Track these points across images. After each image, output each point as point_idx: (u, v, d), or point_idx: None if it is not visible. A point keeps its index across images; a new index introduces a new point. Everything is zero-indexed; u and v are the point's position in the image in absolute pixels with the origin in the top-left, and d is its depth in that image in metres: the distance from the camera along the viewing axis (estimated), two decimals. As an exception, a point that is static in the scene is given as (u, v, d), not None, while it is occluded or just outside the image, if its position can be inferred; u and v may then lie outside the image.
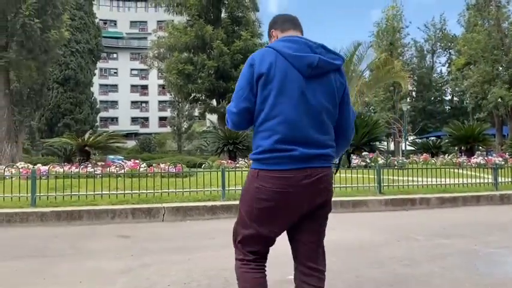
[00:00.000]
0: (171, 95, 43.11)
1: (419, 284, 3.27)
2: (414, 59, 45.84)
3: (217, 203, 7.04)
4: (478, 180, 9.38)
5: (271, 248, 4.27)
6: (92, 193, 7.22)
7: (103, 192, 7.25)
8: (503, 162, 12.85)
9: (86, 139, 13.34)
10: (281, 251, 4.56)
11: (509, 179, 9.69)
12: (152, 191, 7.48)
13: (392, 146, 42.76)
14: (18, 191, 7.18)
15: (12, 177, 8.42)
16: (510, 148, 20.10)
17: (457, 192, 8.49)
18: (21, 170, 9.23)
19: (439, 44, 45.71)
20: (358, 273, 3.57)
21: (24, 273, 3.72)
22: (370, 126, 15.25)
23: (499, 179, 9.30)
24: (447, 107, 46.32)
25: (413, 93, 45.49)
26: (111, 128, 49.15)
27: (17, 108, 29.14)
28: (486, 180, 9.41)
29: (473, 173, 10.33)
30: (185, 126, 53.79)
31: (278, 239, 5.26)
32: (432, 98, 44.25)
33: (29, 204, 6.76)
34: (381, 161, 12.46)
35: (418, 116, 43.60)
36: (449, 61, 44.52)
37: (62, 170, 8.80)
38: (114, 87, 63.80)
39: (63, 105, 40.95)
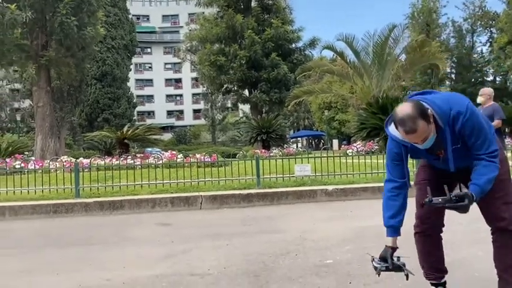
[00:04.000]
0: (204, 87, 43.56)
1: (461, 267, 3.18)
2: (452, 39, 44.11)
3: (253, 191, 7.09)
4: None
5: (306, 233, 4.28)
6: (133, 183, 7.44)
7: (143, 183, 7.46)
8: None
9: (124, 132, 13.73)
10: (320, 236, 4.57)
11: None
12: (189, 180, 7.63)
13: (431, 131, 41.51)
14: (63, 183, 7.49)
15: (56, 171, 8.78)
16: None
17: (501, 175, 8.18)
18: (64, 163, 9.61)
19: (479, 22, 43.75)
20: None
21: (71, 260, 3.89)
22: (407, 110, 14.87)
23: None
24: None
25: (452, 75, 43.91)
26: (148, 121, 50.28)
27: (58, 105, 30.33)
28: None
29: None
30: (219, 117, 54.28)
31: (317, 226, 5.24)
32: (473, 80, 42.53)
33: (73, 195, 7.04)
34: (419, 145, 12.17)
35: (459, 98, 41.99)
36: (490, 40, 42.59)
37: (103, 162, 9.10)
38: (149, 82, 65.08)
39: (101, 100, 42.22)
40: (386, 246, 2.39)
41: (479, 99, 6.88)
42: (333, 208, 6.35)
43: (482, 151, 2.16)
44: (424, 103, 2.10)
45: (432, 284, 2.51)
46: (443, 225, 2.56)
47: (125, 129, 14.21)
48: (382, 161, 8.98)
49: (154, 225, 5.55)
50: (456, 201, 2.10)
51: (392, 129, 2.21)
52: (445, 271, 2.56)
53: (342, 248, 3.89)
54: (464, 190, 2.11)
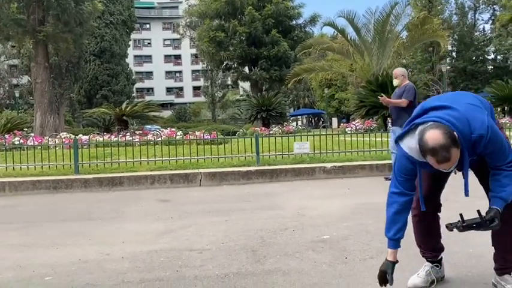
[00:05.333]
0: (203, 63, 43.26)
1: (458, 243, 3.22)
2: (454, 16, 43.55)
3: (252, 168, 7.12)
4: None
5: (304, 210, 4.29)
6: (132, 160, 7.46)
7: (142, 159, 7.48)
8: (550, 122, 12.25)
9: (123, 109, 13.70)
10: (317, 213, 4.61)
11: (557, 139, 9.24)
12: (189, 158, 7.65)
13: (431, 109, 41.39)
14: (62, 160, 7.51)
15: (56, 147, 8.78)
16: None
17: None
18: (64, 139, 9.61)
19: (481, -1, 43.13)
20: (395, 233, 3.55)
21: (70, 234, 3.93)
22: (408, 88, 14.79)
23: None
24: (490, 67, 44.10)
25: (453, 53, 43.53)
26: (147, 98, 49.96)
27: (57, 81, 30.14)
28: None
29: (517, 134, 9.91)
30: (219, 95, 54.05)
31: (315, 202, 5.28)
32: (474, 58, 42.18)
33: (72, 171, 7.07)
34: (418, 123, 12.16)
35: (459, 77, 41.82)
36: (492, 17, 42.04)
37: (101, 139, 9.10)
38: (148, 58, 64.50)
39: (100, 77, 41.94)
40: (387, 260, 2.32)
41: (395, 82, 6.76)
42: (331, 185, 6.39)
43: (501, 162, 2.12)
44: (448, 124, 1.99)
45: (428, 261, 2.53)
46: (441, 205, 2.54)
47: (124, 106, 14.17)
48: (380, 139, 9.00)
49: (153, 201, 5.59)
50: (489, 224, 2.11)
51: (407, 146, 2.11)
52: (442, 249, 2.56)
53: (338, 224, 3.93)
54: (492, 211, 2.13)
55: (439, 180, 2.39)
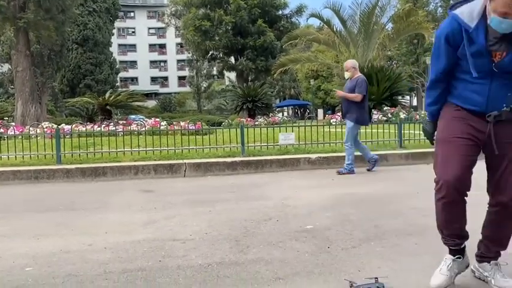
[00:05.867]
0: (189, 53, 42.86)
1: (438, 233, 3.28)
2: (439, 9, 43.87)
3: (237, 159, 7.12)
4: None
5: (288, 200, 4.32)
6: (115, 150, 7.39)
7: (125, 149, 7.41)
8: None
9: (106, 98, 13.52)
10: (301, 203, 4.64)
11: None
12: (173, 148, 7.60)
13: (415, 101, 41.93)
14: (44, 149, 7.39)
15: (37, 137, 8.65)
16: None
17: (480, 145, 8.34)
18: (45, 129, 9.45)
19: (466, -8, 43.44)
20: (378, 223, 3.60)
21: (52, 224, 3.88)
22: (392, 80, 14.92)
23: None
24: (472, 60, 44.58)
25: (438, 46, 43.83)
26: (131, 87, 49.50)
27: (38, 70, 29.56)
28: None
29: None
30: (204, 85, 53.70)
31: (299, 193, 5.31)
32: (457, 51, 42.61)
33: (54, 161, 6.97)
34: (402, 115, 12.26)
35: (443, 69, 42.24)
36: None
37: (84, 128, 8.98)
38: (132, 47, 63.62)
39: (83, 65, 41.26)
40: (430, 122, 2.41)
41: (346, 75, 6.76)
42: (315, 176, 6.43)
43: None
44: None
45: (451, 250, 2.34)
46: (470, 188, 2.25)
47: (107, 95, 13.98)
48: (364, 130, 9.06)
49: (137, 192, 5.55)
50: None
51: (460, 11, 2.08)
52: (467, 237, 2.37)
53: (322, 214, 3.96)
54: None
55: (471, 155, 2.20)
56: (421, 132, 8.92)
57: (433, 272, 2.35)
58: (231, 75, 42.11)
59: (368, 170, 6.69)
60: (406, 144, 8.29)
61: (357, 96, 6.43)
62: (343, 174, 6.43)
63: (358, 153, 7.58)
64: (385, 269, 2.59)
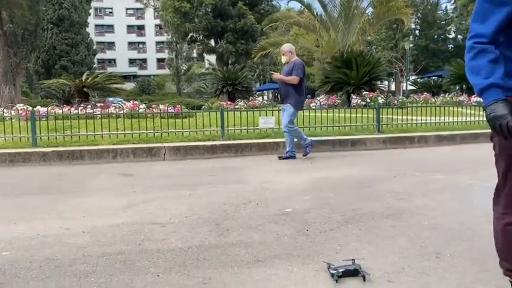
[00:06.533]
0: (168, 35, 42.17)
1: (414, 216, 3.37)
2: (419, -6, 44.16)
3: (217, 143, 7.11)
4: (477, 119, 9.40)
5: (268, 183, 4.34)
6: (93, 133, 7.27)
7: (103, 133, 7.30)
8: (503, 101, 12.79)
9: (83, 80, 13.23)
10: (281, 187, 4.67)
11: (509, 117, 9.67)
12: (152, 131, 7.52)
13: (393, 86, 42.41)
14: (19, 132, 7.23)
15: (12, 119, 8.43)
16: None
17: (456, 130, 8.54)
18: (20, 111, 9.21)
19: (445, -22, 43.89)
20: (355, 206, 3.67)
21: (28, 209, 3.82)
22: (372, 65, 15.01)
23: (499, 117, 9.29)
24: (450, 46, 45.33)
25: (416, 32, 44.36)
26: (109, 69, 48.42)
27: (12, 50, 28.59)
28: (485, 118, 9.42)
29: (472, 112, 10.32)
30: (184, 68, 53.02)
31: (278, 177, 5.34)
32: (435, 36, 43.17)
33: (30, 144, 6.82)
34: (380, 100, 12.40)
35: (421, 55, 42.79)
36: (455, -3, 42.93)
37: (61, 111, 8.79)
38: (110, 28, 62.12)
39: (58, 46, 40.12)
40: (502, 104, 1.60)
41: (283, 59, 6.69)
42: (294, 160, 6.47)
43: None
44: None
45: None
46: None
47: (84, 77, 13.67)
48: (343, 114, 9.15)
49: (115, 175, 5.49)
50: None
51: None
52: None
53: (301, 198, 4.01)
54: None
55: None
56: (399, 117, 9.03)
57: (409, 254, 2.41)
58: (211, 58, 41.67)
59: (304, 155, 6.58)
60: (384, 129, 8.41)
61: (293, 79, 6.33)
62: (286, 159, 6.39)
63: (338, 137, 7.65)
64: (362, 251, 2.65)
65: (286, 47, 6.76)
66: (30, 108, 10.38)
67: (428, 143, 7.95)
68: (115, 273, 2.37)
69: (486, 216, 3.34)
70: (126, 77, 43.34)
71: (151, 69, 61.81)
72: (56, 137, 7.18)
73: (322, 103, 12.86)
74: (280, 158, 6.49)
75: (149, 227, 3.18)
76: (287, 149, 6.51)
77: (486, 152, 7.60)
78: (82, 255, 2.65)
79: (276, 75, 6.77)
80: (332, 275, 2.25)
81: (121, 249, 2.73)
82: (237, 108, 10.59)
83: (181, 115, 8.83)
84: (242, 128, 7.90)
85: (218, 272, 2.37)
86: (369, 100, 12.88)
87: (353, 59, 15.02)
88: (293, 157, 6.46)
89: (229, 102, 14.23)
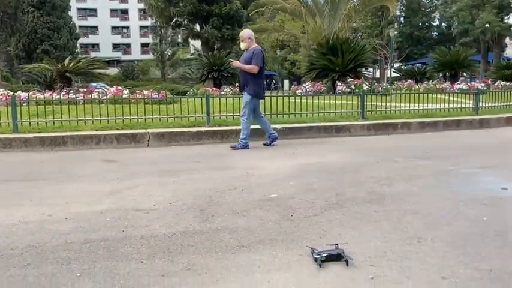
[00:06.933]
0: (152, 19, 41.48)
1: (396, 201, 3.41)
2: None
3: (202, 129, 7.07)
4: (459, 106, 9.53)
5: (253, 170, 4.34)
6: (75, 119, 7.16)
7: (86, 118, 7.19)
8: (485, 88, 12.99)
9: (65, 65, 12.98)
10: (266, 173, 4.68)
11: (490, 104, 9.85)
12: (136, 117, 7.44)
13: (378, 73, 42.62)
14: (-1, 117, 7.07)
15: (-9, 104, 8.24)
16: (493, 74, 20.22)
17: (439, 117, 8.64)
18: (0, 96, 9.01)
19: (431, -35, 43.95)
20: (339, 191, 3.70)
21: (10, 195, 3.76)
22: (357, 52, 15.05)
23: (480, 104, 9.45)
24: (434, 33, 45.67)
25: (401, 19, 44.52)
26: (92, 54, 47.58)
27: (-10, 33, 27.86)
28: (468, 106, 9.57)
29: (455, 99, 10.46)
30: (169, 53, 52.37)
31: (264, 163, 5.34)
32: (420, 24, 43.44)
33: (10, 130, 6.68)
34: (365, 87, 12.46)
35: (405, 42, 43.07)
36: (440, -16, 43.11)
37: (42, 96, 8.62)
38: (92, 12, 60.93)
39: (40, 30, 39.25)
40: None
41: (242, 46, 6.49)
42: (280, 146, 6.49)
43: None
44: None
45: None
46: None
47: (66, 61, 13.39)
48: (329, 101, 9.18)
49: (99, 161, 5.43)
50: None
51: None
52: None
53: (286, 183, 4.03)
54: None
55: None
56: (383, 103, 9.11)
57: (391, 238, 2.45)
58: (197, 44, 41.23)
59: (264, 144, 6.54)
60: (368, 116, 8.46)
61: (253, 68, 6.17)
62: (237, 149, 6.20)
63: (323, 124, 7.68)
64: (346, 235, 2.68)
65: (246, 33, 6.53)
66: (10, 93, 10.16)
67: (411, 130, 8.04)
68: (98, 259, 2.36)
69: (466, 201, 3.41)
70: (109, 62, 42.62)
71: (136, 54, 60.97)
72: (37, 123, 7.05)
73: (307, 90, 12.87)
74: (232, 148, 6.27)
75: (133, 214, 3.16)
76: (241, 137, 6.29)
77: (468, 138, 7.77)
78: (64, 241, 2.63)
79: (235, 63, 6.50)
80: (315, 260, 2.28)
81: (104, 236, 2.71)
82: (223, 95, 10.53)
83: (165, 101, 8.74)
84: (228, 114, 7.86)
85: (202, 258, 2.37)
86: (353, 87, 12.94)
87: (338, 46, 15.03)
88: (246, 147, 6.24)
89: (214, 89, 14.15)
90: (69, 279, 2.12)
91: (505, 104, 10.07)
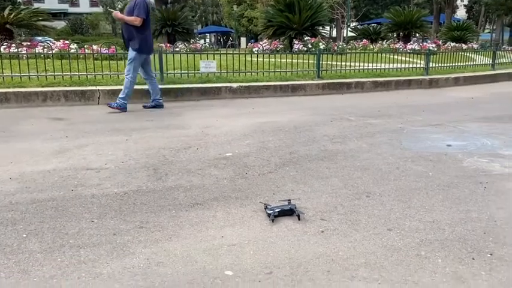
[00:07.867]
0: (101, -31, 39.02)
1: (347, 158, 3.51)
2: None
3: (156, 86, 6.85)
4: (411, 66, 9.77)
5: (208, 129, 4.30)
6: (19, 74, 6.75)
7: (31, 74, 6.79)
8: (436, 49, 13.36)
9: (5, 16, 12.05)
10: (221, 132, 4.65)
11: (440, 64, 10.17)
12: (85, 74, 7.11)
13: (334, 32, 42.73)
14: None
15: None
16: (444, 35, 20.77)
17: (391, 77, 8.84)
18: None
19: None
20: (293, 149, 3.75)
21: None
22: (314, 9, 14.91)
23: (430, 65, 9.74)
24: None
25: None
26: (36, 5, 44.36)
27: None
28: (419, 66, 9.83)
29: (407, 59, 10.70)
30: (119, 6, 49.74)
31: (219, 121, 5.30)
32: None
33: None
34: (322, 46, 12.46)
35: (362, 1, 43.14)
36: None
37: (-20, 49, 8.01)
38: (34, -42, 56.29)
39: (-26, -23, 35.92)
40: None
41: None
42: (236, 105, 6.44)
43: None
44: None
45: None
46: None
47: (6, 12, 12.41)
48: (285, 60, 9.14)
49: (45, 119, 5.18)
50: None
51: None
52: None
53: (241, 142, 4.03)
54: None
55: None
56: (338, 63, 9.18)
57: (341, 193, 2.53)
58: (149, -3, 39.39)
59: (144, 107, 6.14)
60: (323, 75, 8.52)
61: (135, 20, 5.60)
62: (113, 108, 5.73)
63: (279, 83, 7.67)
64: (298, 191, 2.74)
65: None
66: None
67: (364, 89, 8.20)
68: (46, 219, 2.29)
69: (413, 157, 3.56)
70: (55, 15, 40.00)
71: (84, 6, 57.47)
72: (-24, 78, 6.59)
73: (264, 48, 12.71)
74: (109, 105, 5.79)
75: (83, 173, 3.07)
76: (120, 96, 5.78)
77: (417, 97, 8.02)
78: (9, 202, 2.52)
79: (116, 14, 5.84)
80: (268, 215, 2.32)
81: (52, 196, 2.62)
82: (177, 51, 10.20)
83: (116, 57, 8.38)
84: (182, 71, 7.66)
85: (156, 216, 2.35)
86: (310, 46, 12.91)
87: (296, 3, 14.82)
88: (123, 109, 5.75)
89: (168, 45, 13.68)
90: (15, 240, 2.05)
91: (454, 64, 10.44)
